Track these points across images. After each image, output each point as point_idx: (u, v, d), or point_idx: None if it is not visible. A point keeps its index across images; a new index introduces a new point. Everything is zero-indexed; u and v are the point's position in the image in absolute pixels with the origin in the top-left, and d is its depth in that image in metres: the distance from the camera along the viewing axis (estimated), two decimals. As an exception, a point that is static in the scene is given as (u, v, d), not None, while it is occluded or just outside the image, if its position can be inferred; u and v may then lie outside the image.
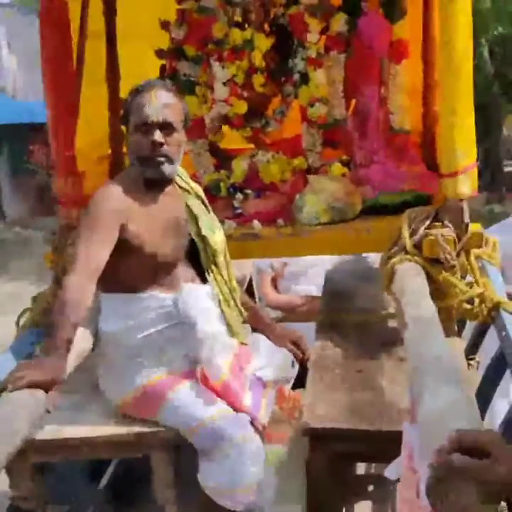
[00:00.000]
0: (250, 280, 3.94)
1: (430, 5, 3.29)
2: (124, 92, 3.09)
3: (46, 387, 2.05)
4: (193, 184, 2.67)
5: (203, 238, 2.56)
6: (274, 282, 4.32)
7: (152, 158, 2.44)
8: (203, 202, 2.65)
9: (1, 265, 11.29)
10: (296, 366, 2.82)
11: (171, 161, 2.48)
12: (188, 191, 2.61)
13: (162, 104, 2.44)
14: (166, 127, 2.44)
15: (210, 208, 2.68)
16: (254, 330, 2.82)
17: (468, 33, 2.68)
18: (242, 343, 2.62)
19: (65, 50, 2.97)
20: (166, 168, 2.47)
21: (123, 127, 2.54)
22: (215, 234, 2.60)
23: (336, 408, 2.38)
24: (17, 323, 2.93)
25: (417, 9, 3.39)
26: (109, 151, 3.36)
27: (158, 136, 2.42)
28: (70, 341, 2.17)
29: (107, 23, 3.37)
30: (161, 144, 2.43)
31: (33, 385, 2.01)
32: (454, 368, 1.87)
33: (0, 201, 15.58)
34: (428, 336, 2.08)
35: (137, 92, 2.47)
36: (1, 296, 8.74)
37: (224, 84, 3.30)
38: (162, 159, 2.45)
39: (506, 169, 16.14)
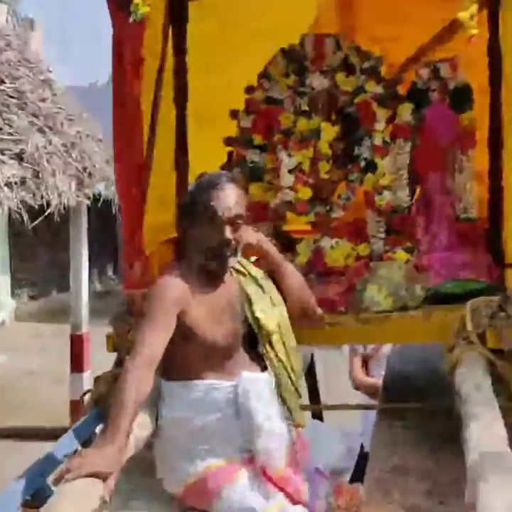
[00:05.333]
0: (311, 364, 3.91)
1: (496, 93, 3.30)
2: (192, 179, 3.17)
3: (103, 477, 2.05)
4: (250, 267, 2.68)
5: (257, 320, 2.56)
6: (365, 364, 4.30)
7: (220, 254, 2.47)
8: (258, 284, 2.64)
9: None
10: (355, 456, 2.78)
11: (235, 253, 2.51)
12: (243, 274, 2.63)
13: (232, 199, 2.46)
14: (235, 222, 2.47)
15: (266, 289, 2.65)
16: (313, 416, 2.78)
17: None
18: (300, 427, 2.57)
19: (136, 140, 3.08)
20: (231, 261, 2.52)
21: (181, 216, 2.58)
22: (270, 315, 2.58)
23: (394, 505, 2.33)
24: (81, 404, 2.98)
25: (485, 97, 3.42)
26: (175, 234, 3.43)
27: (229, 233, 2.45)
28: (128, 430, 2.19)
29: (177, 111, 3.46)
30: (231, 241, 2.46)
31: (90, 475, 2.02)
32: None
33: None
34: (488, 435, 2.03)
35: (207, 185, 2.50)
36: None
37: (290, 171, 3.36)
38: (229, 253, 2.48)
39: None
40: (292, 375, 2.59)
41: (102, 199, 7.64)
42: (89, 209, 7.66)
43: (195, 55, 3.47)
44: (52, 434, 2.81)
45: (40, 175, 6.21)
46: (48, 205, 6.43)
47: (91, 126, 7.75)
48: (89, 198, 7.26)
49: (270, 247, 2.74)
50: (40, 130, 6.71)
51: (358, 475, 2.68)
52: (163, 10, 3.32)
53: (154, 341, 2.34)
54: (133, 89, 3.05)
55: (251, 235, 2.61)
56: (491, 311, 2.81)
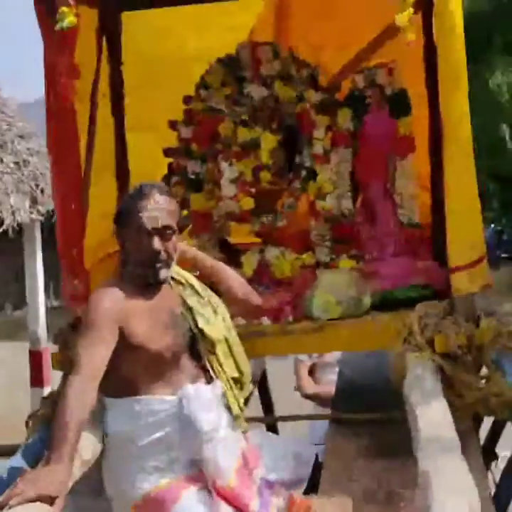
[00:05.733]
0: (263, 378, 3.86)
1: (435, 101, 3.32)
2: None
3: (50, 500, 1.98)
4: (187, 275, 2.65)
5: (201, 330, 2.53)
6: (312, 372, 4.27)
7: (151, 265, 2.45)
8: (198, 293, 2.61)
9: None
10: (310, 467, 2.74)
11: (168, 265, 2.48)
12: (181, 283, 2.60)
13: (161, 209, 2.45)
14: (165, 232, 2.45)
15: (207, 298, 2.63)
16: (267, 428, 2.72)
17: (468, 128, 2.76)
18: (246, 432, 2.55)
19: (72, 150, 3.00)
20: (163, 272, 2.48)
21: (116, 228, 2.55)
22: (213, 324, 2.56)
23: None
24: (27, 425, 2.89)
25: (424, 104, 3.43)
26: (117, 248, 3.36)
27: (157, 244, 2.43)
28: (73, 449, 2.12)
29: (115, 122, 3.40)
30: (160, 252, 2.43)
31: (35, 500, 1.94)
32: (466, 477, 1.82)
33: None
34: (439, 444, 2.02)
35: (135, 196, 2.49)
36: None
37: (232, 181, 3.33)
38: (160, 265, 2.46)
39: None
40: (233, 385, 2.55)
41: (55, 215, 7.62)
42: (43, 225, 7.69)
43: (131, 65, 3.41)
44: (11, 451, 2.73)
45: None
46: (2, 222, 6.43)
47: (43, 143, 7.71)
48: (42, 215, 7.26)
49: (197, 253, 2.78)
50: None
51: (313, 486, 2.64)
52: (95, 20, 3.24)
53: (95, 355, 2.29)
54: (67, 100, 2.96)
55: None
56: (438, 316, 2.82)
